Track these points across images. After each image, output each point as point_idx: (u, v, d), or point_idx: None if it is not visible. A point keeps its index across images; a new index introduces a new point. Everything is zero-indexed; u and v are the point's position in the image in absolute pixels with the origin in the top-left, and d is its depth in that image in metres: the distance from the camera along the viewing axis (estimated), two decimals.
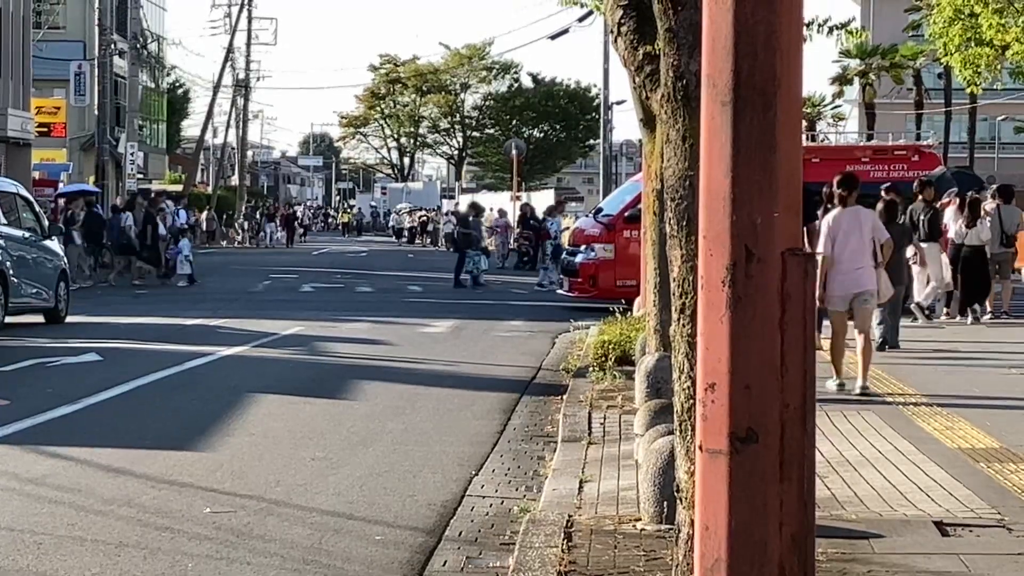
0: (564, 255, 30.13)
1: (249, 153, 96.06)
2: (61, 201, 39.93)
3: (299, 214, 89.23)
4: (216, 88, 68.94)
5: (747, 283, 4.25)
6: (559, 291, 28.45)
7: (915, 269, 21.15)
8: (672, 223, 5.98)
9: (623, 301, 21.01)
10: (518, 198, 61.58)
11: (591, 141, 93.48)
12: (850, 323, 13.73)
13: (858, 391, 13.13)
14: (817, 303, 8.67)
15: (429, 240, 73.15)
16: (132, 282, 35.02)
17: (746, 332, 4.24)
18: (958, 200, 22.86)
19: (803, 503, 4.32)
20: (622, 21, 7.07)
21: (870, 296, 13.48)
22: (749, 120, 4.26)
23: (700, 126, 4.44)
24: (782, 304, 4.24)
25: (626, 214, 26.18)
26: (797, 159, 4.34)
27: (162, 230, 36.33)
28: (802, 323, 4.26)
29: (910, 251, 20.48)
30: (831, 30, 15.33)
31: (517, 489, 9.61)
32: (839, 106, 77.94)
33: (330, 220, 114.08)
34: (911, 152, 25.84)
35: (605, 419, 12.10)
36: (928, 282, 21.24)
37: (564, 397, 13.75)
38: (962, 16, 33.25)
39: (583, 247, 27.16)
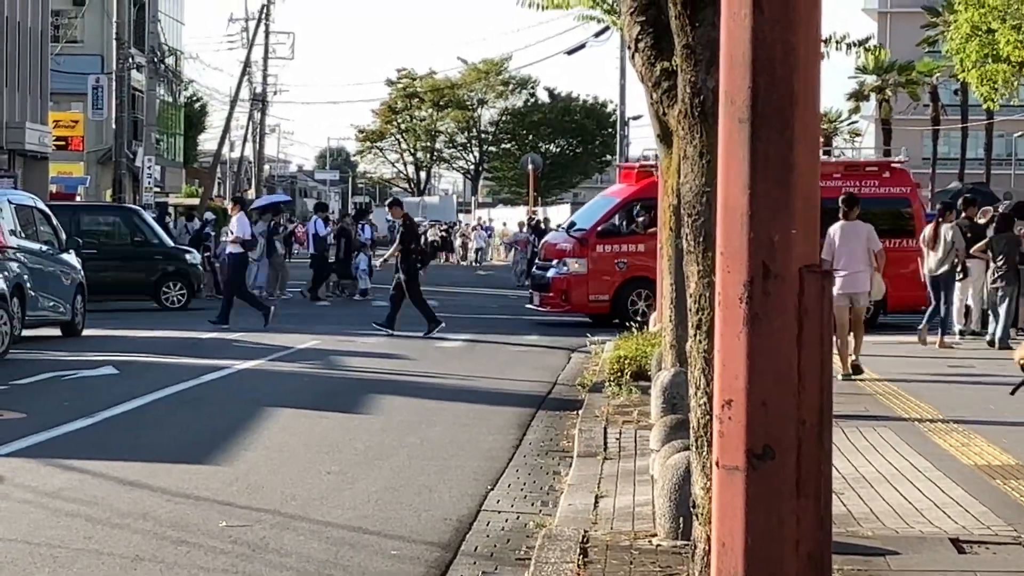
0: (535, 269, 29.45)
1: (266, 167, 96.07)
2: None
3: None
4: (233, 102, 68.91)
5: (764, 300, 4.25)
6: (528, 305, 28.08)
7: (957, 288, 21.18)
8: (689, 239, 5.99)
9: (631, 321, 20.95)
10: (534, 213, 61.60)
11: (607, 156, 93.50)
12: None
13: (849, 367, 15.71)
14: None
15: (460, 256, 71.37)
16: (326, 295, 34.99)
17: (763, 349, 4.24)
18: (991, 213, 23.08)
19: (820, 520, 4.31)
20: (639, 37, 7.08)
21: (863, 297, 16.20)
22: (766, 137, 4.27)
23: (717, 142, 4.44)
24: (799, 321, 4.24)
25: (599, 228, 26.06)
26: (814, 176, 4.34)
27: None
28: (819, 340, 4.26)
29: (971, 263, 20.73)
30: (849, 47, 15.35)
31: (533, 504, 9.61)
32: (855, 122, 78.00)
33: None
34: (882, 169, 25.83)
35: (621, 434, 12.09)
36: (966, 308, 21.43)
37: (580, 412, 13.73)
38: (979, 32, 33.25)
39: (555, 261, 26.61)
